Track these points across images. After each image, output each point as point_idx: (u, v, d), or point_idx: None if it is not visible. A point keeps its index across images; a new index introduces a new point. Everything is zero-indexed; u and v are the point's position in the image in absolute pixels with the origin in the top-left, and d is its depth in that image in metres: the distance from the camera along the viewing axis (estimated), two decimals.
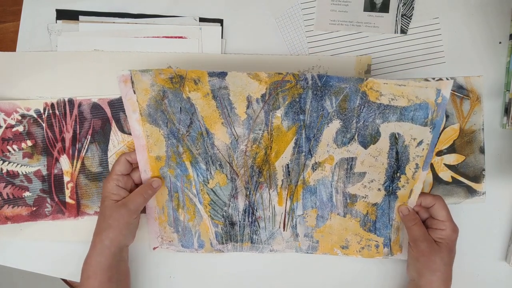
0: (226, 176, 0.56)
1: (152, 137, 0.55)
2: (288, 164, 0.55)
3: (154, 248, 0.59)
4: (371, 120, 0.53)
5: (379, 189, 0.55)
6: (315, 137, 0.54)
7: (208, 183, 0.56)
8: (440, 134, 0.60)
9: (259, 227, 0.58)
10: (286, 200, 0.57)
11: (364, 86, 0.52)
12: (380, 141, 0.53)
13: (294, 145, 0.54)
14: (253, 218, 0.57)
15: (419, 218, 0.55)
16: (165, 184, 0.57)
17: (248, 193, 0.57)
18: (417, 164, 0.54)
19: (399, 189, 0.55)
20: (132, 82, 0.54)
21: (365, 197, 0.56)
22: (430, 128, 0.52)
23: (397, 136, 0.53)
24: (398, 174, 0.54)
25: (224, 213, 0.57)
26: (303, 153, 0.55)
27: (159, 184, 0.56)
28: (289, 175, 0.56)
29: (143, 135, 0.55)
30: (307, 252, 0.58)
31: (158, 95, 0.54)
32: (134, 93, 0.54)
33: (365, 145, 0.54)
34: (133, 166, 0.56)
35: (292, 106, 0.53)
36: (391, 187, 0.55)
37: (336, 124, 0.53)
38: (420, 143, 0.53)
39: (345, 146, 0.54)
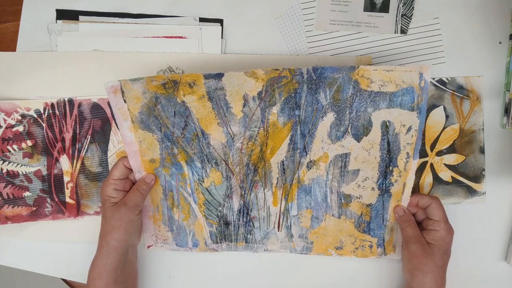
0: (222, 174, 0.56)
1: (145, 142, 0.55)
2: (283, 161, 0.56)
3: (148, 247, 0.59)
4: (363, 109, 0.54)
5: (372, 188, 0.56)
6: (310, 132, 0.55)
7: (203, 182, 0.56)
8: (441, 134, 0.60)
9: (254, 227, 0.58)
10: (281, 200, 0.57)
11: (356, 74, 0.53)
12: (372, 131, 0.54)
13: (289, 141, 0.55)
14: (248, 218, 0.57)
15: (413, 220, 0.55)
16: (160, 183, 0.57)
17: (243, 192, 0.57)
18: (407, 153, 0.54)
19: (392, 185, 0.55)
20: (122, 92, 0.53)
21: (359, 198, 0.56)
22: (417, 113, 0.53)
23: (387, 124, 0.54)
24: (390, 168, 0.55)
25: (219, 213, 0.57)
26: (298, 150, 0.55)
27: (153, 178, 0.56)
28: (284, 173, 0.56)
29: (135, 141, 0.55)
30: (302, 253, 0.59)
31: (151, 101, 0.54)
32: (125, 102, 0.54)
33: (358, 138, 0.55)
34: (131, 170, 0.57)
35: (288, 102, 0.54)
36: (384, 184, 0.55)
37: (330, 117, 0.54)
38: (409, 129, 0.54)
39: (339, 141, 0.55)
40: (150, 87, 0.53)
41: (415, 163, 0.55)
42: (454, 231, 0.53)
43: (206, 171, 0.56)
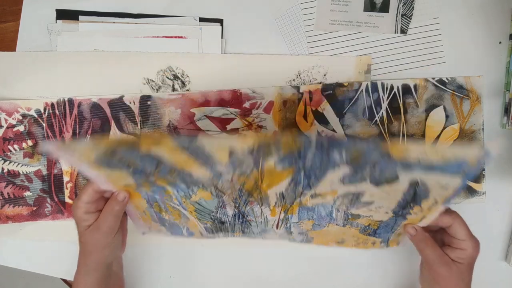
0: (211, 193, 0.46)
1: (113, 176, 0.44)
2: (282, 192, 0.45)
3: (143, 233, 0.54)
4: (390, 169, 0.41)
5: (386, 212, 0.47)
6: (316, 176, 0.42)
7: (191, 197, 0.47)
8: (441, 134, 0.60)
9: (251, 225, 0.52)
10: (280, 213, 0.50)
11: (385, 147, 0.39)
12: (397, 184, 0.42)
13: (290, 180, 0.43)
14: (244, 219, 0.52)
15: (430, 238, 0.48)
16: (142, 197, 0.48)
17: (237, 205, 0.48)
18: (436, 200, 0.44)
19: (410, 215, 0.47)
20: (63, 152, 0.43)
21: (369, 216, 0.49)
22: (461, 178, 0.41)
23: (419, 182, 0.42)
24: (411, 205, 0.45)
25: (212, 217, 0.51)
26: (301, 185, 0.44)
27: (125, 195, 0.47)
28: (283, 199, 0.46)
29: (101, 175, 0.44)
30: (301, 242, 0.55)
31: (106, 153, 0.42)
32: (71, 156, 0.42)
33: (377, 184, 0.42)
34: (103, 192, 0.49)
35: (289, 157, 0.40)
36: (401, 212, 0.47)
37: (344, 170, 0.41)
38: (446, 187, 0.42)
39: (353, 184, 0.43)
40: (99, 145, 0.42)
41: (442, 208, 0.45)
42: (479, 242, 0.47)
43: (193, 190, 0.46)
